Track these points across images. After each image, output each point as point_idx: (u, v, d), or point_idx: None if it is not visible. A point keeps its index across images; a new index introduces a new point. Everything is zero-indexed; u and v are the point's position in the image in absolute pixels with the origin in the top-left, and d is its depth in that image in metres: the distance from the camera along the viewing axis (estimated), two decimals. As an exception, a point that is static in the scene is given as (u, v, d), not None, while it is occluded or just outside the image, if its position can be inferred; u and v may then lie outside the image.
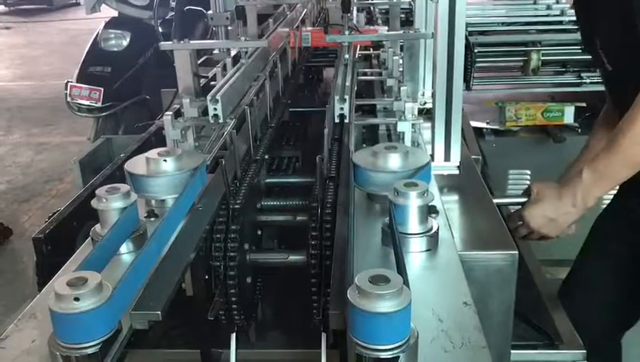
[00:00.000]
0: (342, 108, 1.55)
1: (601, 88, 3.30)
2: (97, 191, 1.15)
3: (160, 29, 4.72)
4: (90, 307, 0.81)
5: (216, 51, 2.86)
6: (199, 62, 3.09)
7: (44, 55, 11.24)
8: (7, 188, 5.56)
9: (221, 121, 1.50)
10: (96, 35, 5.33)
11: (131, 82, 5.08)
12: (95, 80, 5.00)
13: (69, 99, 4.95)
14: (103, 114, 4.96)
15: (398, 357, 0.80)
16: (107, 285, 0.85)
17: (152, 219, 1.22)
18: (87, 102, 4.90)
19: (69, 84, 4.97)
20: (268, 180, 1.65)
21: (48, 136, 6.88)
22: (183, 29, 4.32)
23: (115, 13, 5.51)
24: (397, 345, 0.80)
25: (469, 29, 3.41)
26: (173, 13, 4.89)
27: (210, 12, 3.00)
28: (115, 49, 5.26)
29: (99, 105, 4.91)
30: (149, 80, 4.95)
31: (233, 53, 2.32)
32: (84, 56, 5.21)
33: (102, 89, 4.91)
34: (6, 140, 6.86)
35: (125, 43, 5.26)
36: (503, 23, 3.77)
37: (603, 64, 1.91)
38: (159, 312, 0.89)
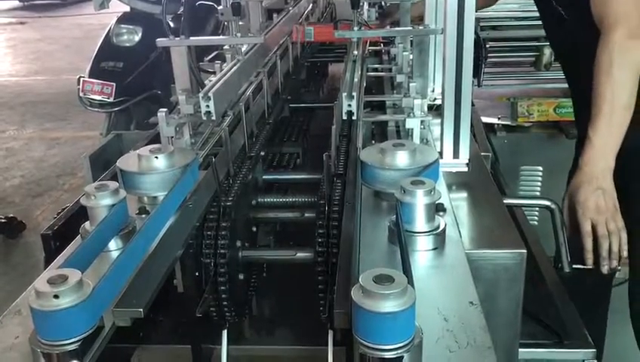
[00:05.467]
0: (350, 105, 1.54)
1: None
2: (86, 189, 1.16)
3: (171, 24, 4.73)
4: (69, 304, 0.81)
5: (226, 47, 2.86)
6: (210, 57, 3.09)
7: (58, 50, 11.30)
8: (20, 183, 5.61)
9: (214, 118, 1.50)
10: (109, 30, 5.35)
11: (143, 77, 5.09)
12: (107, 75, 5.02)
13: (81, 94, 4.97)
14: (115, 109, 4.99)
15: (402, 357, 0.80)
16: (88, 282, 0.85)
17: (143, 216, 1.23)
18: (99, 97, 4.93)
19: (82, 79, 4.99)
20: (266, 176, 1.65)
21: (61, 131, 6.92)
22: (193, 24, 4.33)
23: (127, 9, 5.53)
24: (401, 344, 0.80)
25: (481, 23, 3.38)
26: (184, 8, 4.89)
27: (220, 7, 2.99)
28: (127, 44, 5.28)
29: (111, 100, 4.93)
30: (161, 75, 4.96)
31: (244, 49, 2.32)
32: (96, 52, 5.24)
33: (114, 84, 4.94)
34: (20, 135, 6.91)
35: (137, 38, 5.28)
36: (515, 18, 3.73)
37: (557, 14, 1.97)
38: (141, 309, 0.89)
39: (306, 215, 1.49)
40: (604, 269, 1.81)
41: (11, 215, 4.68)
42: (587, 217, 1.79)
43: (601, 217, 1.78)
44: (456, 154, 1.62)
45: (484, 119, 3.09)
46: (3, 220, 4.60)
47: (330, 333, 1.21)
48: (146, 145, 1.93)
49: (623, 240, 1.80)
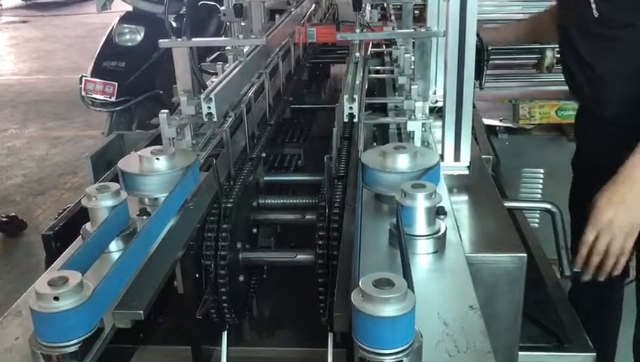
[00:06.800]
0: (351, 108, 1.54)
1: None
2: (87, 190, 1.16)
3: (174, 24, 4.74)
4: (69, 306, 0.82)
5: (228, 48, 2.86)
6: (212, 57, 3.10)
7: (60, 49, 11.31)
8: (22, 182, 5.61)
9: (215, 119, 1.51)
10: (111, 30, 5.36)
11: (145, 77, 5.10)
12: (109, 74, 5.03)
13: (83, 93, 4.98)
14: (117, 108, 5.00)
15: (402, 361, 0.80)
16: (88, 284, 0.85)
17: (144, 217, 1.23)
18: (101, 97, 4.94)
19: (84, 78, 5.00)
20: (267, 178, 1.65)
21: (63, 130, 6.93)
22: (195, 25, 4.32)
23: (130, 8, 5.54)
24: (400, 349, 0.80)
25: (484, 25, 3.38)
26: (187, 8, 4.89)
27: (222, 8, 3.00)
28: (130, 44, 5.29)
29: (113, 99, 4.94)
30: (163, 75, 4.97)
31: (245, 50, 2.32)
32: (98, 51, 5.25)
33: (116, 84, 4.94)
34: (22, 134, 6.92)
35: (139, 38, 5.29)
36: (517, 20, 3.73)
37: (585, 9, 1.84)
38: (141, 312, 0.89)
39: (307, 217, 1.49)
40: (584, 278, 1.74)
41: (12, 214, 4.69)
42: (595, 228, 1.67)
43: (607, 235, 1.66)
44: (457, 157, 1.62)
45: (486, 121, 3.09)
46: (4, 219, 4.61)
47: (330, 336, 1.21)
48: (148, 146, 1.94)
49: (619, 264, 1.69)
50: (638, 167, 1.65)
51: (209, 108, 1.49)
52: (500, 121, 3.36)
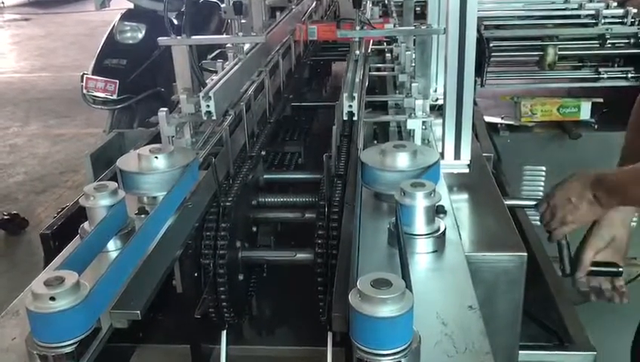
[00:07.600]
0: (350, 106, 1.53)
1: (619, 83, 3.26)
2: (85, 189, 1.16)
3: (175, 22, 4.73)
4: (65, 307, 0.81)
5: (228, 45, 2.85)
6: (212, 55, 3.09)
7: (62, 47, 11.31)
8: (24, 179, 5.62)
9: (214, 118, 1.50)
10: (112, 28, 5.35)
11: (147, 75, 5.09)
12: (111, 72, 5.03)
13: (84, 91, 4.98)
14: (118, 106, 4.99)
15: (400, 361, 0.80)
16: (85, 284, 0.85)
17: (143, 216, 1.23)
18: (102, 95, 4.93)
19: (85, 76, 5.00)
20: (266, 176, 1.65)
21: (65, 128, 6.93)
22: (197, 22, 4.31)
23: (131, 6, 5.53)
24: (398, 349, 0.79)
25: (485, 22, 3.37)
26: (189, 5, 4.89)
27: (223, 5, 2.99)
28: (131, 41, 5.28)
29: (114, 97, 4.94)
30: (165, 73, 4.95)
31: (246, 47, 2.31)
32: (99, 49, 5.25)
33: (117, 81, 4.94)
34: (24, 131, 6.92)
35: (141, 35, 5.28)
36: (519, 17, 3.72)
37: None
38: (139, 312, 0.89)
39: (307, 215, 1.48)
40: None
41: (14, 212, 4.69)
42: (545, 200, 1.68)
43: (551, 211, 1.68)
44: (457, 155, 1.61)
45: (488, 118, 3.08)
46: (6, 217, 4.62)
47: (330, 335, 1.21)
48: (147, 144, 1.93)
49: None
50: (592, 212, 1.63)
51: (208, 106, 1.48)
52: (502, 118, 3.35)
